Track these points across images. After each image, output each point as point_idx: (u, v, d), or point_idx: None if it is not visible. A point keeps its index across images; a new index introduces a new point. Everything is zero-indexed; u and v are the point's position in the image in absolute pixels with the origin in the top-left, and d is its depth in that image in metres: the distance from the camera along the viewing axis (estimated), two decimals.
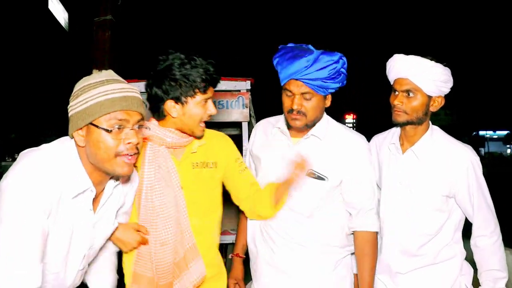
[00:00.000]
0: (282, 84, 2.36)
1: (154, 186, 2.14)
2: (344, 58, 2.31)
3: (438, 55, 2.34)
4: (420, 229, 2.41)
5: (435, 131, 2.45)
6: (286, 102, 2.36)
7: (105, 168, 1.68)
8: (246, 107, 4.46)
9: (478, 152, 2.54)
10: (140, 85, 5.17)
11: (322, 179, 2.36)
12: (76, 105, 1.66)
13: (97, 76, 1.71)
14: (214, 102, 2.41)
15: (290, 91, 2.32)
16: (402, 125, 2.41)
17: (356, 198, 2.42)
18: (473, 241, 2.38)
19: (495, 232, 2.35)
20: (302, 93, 2.30)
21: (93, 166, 1.70)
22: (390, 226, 2.48)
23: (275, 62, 2.38)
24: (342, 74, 2.33)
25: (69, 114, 1.69)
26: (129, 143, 1.67)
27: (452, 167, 2.33)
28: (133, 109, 1.69)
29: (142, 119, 1.76)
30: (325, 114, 2.50)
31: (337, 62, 2.27)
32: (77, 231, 1.76)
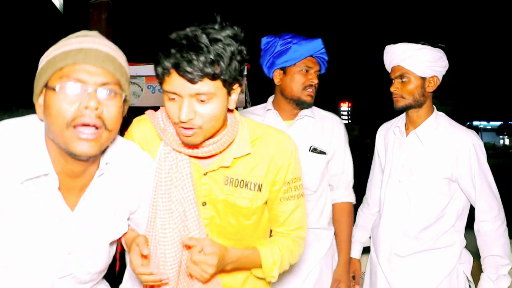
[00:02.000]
0: (294, 62, 2.49)
1: (157, 200, 1.66)
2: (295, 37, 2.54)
3: (433, 42, 2.40)
4: (421, 212, 2.42)
5: (439, 116, 2.50)
6: (304, 78, 2.51)
7: (60, 145, 1.29)
8: (242, 92, 4.47)
9: None
10: (137, 69, 5.18)
11: (324, 153, 2.55)
12: (38, 67, 1.36)
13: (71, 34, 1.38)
14: None
15: (310, 67, 2.52)
16: (402, 110, 2.49)
17: (340, 170, 2.61)
18: (476, 226, 2.37)
19: (499, 217, 2.32)
20: (315, 71, 2.53)
21: (57, 147, 1.32)
22: (391, 208, 2.52)
23: (285, 41, 2.52)
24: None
25: None
26: (86, 107, 1.23)
27: (454, 150, 2.35)
28: (95, 63, 1.27)
29: (118, 84, 1.33)
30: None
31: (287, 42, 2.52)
32: (49, 230, 1.38)
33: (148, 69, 4.67)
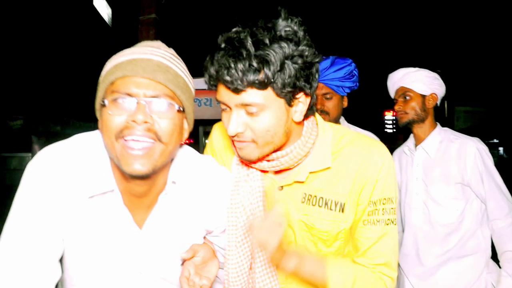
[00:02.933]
0: None
1: (228, 218, 1.48)
2: (354, 64, 2.64)
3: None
4: (440, 220, 2.56)
5: (443, 129, 2.72)
6: None
7: (114, 160, 1.23)
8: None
9: None
10: None
11: None
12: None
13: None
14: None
15: None
16: (406, 125, 2.72)
17: None
18: (490, 225, 2.51)
19: (510, 214, 2.45)
20: (323, 94, 2.59)
21: (117, 166, 1.27)
22: (412, 221, 2.67)
23: None
24: (355, 75, 2.64)
25: None
26: (133, 120, 1.16)
27: (461, 156, 2.53)
28: (143, 75, 1.18)
29: (172, 96, 1.24)
30: (342, 117, 2.83)
31: (350, 65, 2.62)
32: (118, 248, 1.34)
33: (194, 83, 4.78)
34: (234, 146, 1.41)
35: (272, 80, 1.22)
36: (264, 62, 1.20)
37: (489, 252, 2.58)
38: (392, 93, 2.82)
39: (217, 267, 1.44)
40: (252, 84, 1.22)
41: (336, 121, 2.70)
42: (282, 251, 1.31)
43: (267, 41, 1.21)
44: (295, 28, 1.26)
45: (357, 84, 2.69)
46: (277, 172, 1.46)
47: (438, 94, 2.70)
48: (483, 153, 2.52)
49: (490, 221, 2.50)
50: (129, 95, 1.18)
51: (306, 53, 1.26)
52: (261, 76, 1.20)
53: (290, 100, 1.30)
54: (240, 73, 1.20)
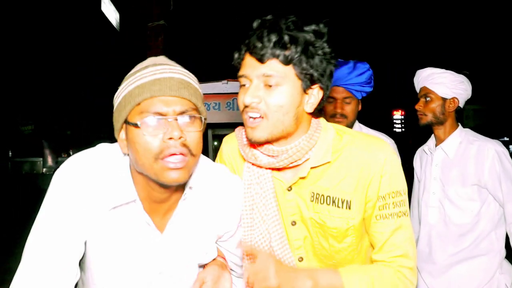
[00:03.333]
0: None
1: (243, 220, 1.57)
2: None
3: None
4: (455, 220, 2.58)
5: (464, 131, 2.71)
6: (329, 108, 2.66)
7: (151, 177, 1.29)
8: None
9: None
10: None
11: None
12: (114, 102, 1.35)
13: (140, 64, 1.37)
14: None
15: (333, 97, 2.63)
16: (425, 126, 2.75)
17: None
18: (507, 228, 2.51)
19: None
20: (344, 98, 2.63)
21: (143, 177, 1.34)
22: (428, 220, 2.69)
23: None
24: (372, 80, 2.69)
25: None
26: (170, 138, 1.23)
27: (479, 158, 2.53)
28: (171, 93, 1.25)
29: (195, 108, 1.32)
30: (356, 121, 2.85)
31: (369, 69, 2.65)
32: (142, 251, 1.42)
33: (202, 87, 4.86)
34: (245, 131, 1.49)
35: (295, 58, 1.35)
36: (292, 40, 1.34)
37: (503, 253, 2.57)
38: (417, 90, 2.84)
39: (230, 280, 1.50)
40: (277, 56, 1.34)
41: (352, 124, 2.73)
42: (289, 279, 1.35)
43: (298, 26, 1.37)
44: (321, 26, 1.41)
45: (372, 87, 2.73)
46: (282, 169, 1.52)
47: (460, 98, 2.68)
48: (502, 156, 2.51)
49: (507, 224, 2.49)
50: (160, 114, 1.24)
51: (326, 49, 1.40)
52: (287, 52, 1.34)
53: (306, 86, 1.41)
54: (271, 43, 1.33)
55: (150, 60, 1.37)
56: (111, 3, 11.94)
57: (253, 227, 1.53)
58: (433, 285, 2.66)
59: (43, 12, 11.69)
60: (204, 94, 5.39)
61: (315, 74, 1.39)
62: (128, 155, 1.37)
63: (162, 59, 1.39)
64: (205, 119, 1.38)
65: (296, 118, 1.44)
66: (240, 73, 1.44)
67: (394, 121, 27.90)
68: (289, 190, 1.54)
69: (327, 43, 1.41)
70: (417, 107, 2.75)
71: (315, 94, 1.45)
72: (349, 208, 1.48)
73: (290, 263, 1.53)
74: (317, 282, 1.39)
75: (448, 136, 2.70)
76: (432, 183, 2.71)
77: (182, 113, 1.27)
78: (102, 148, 1.42)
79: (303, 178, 1.50)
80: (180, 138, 1.24)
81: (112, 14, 14.05)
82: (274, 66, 1.36)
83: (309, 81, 1.40)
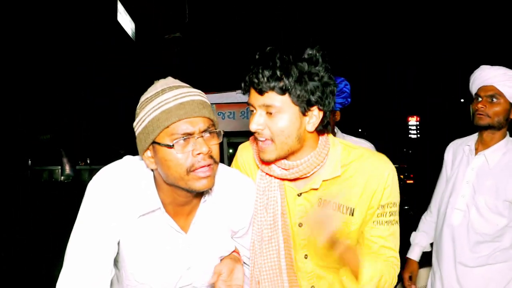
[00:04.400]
0: None
1: (255, 220, 1.75)
2: (346, 82, 2.76)
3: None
4: (478, 228, 2.50)
5: (510, 142, 2.55)
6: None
7: (182, 186, 1.48)
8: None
9: None
10: (208, 97, 5.47)
11: None
12: (137, 125, 1.50)
13: (153, 87, 1.53)
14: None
15: None
16: (483, 128, 2.52)
17: None
18: None
19: None
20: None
21: (169, 186, 1.53)
22: (452, 220, 2.62)
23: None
24: (346, 92, 2.76)
25: (136, 135, 1.53)
26: (199, 153, 1.42)
27: None
28: (194, 115, 1.44)
29: (213, 123, 1.50)
30: (336, 127, 2.96)
31: (339, 83, 2.71)
32: (170, 250, 1.62)
33: (217, 97, 5.02)
34: (257, 149, 1.68)
35: (289, 88, 1.49)
36: (285, 73, 1.48)
37: None
38: (475, 86, 2.62)
39: (242, 271, 1.70)
40: (273, 89, 1.49)
41: (334, 133, 2.82)
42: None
43: (291, 58, 1.50)
44: (315, 52, 1.54)
45: (348, 99, 2.80)
46: (294, 180, 1.69)
47: None
48: None
49: None
50: (189, 134, 1.42)
51: (322, 74, 1.52)
52: (281, 83, 1.48)
53: (304, 110, 1.53)
54: (265, 78, 1.48)
55: (163, 83, 1.53)
56: (126, 13, 12.18)
57: (261, 228, 1.73)
58: (451, 283, 2.63)
59: (62, 26, 11.88)
60: (219, 103, 5.46)
61: (312, 98, 1.52)
62: (152, 170, 1.56)
63: (173, 80, 1.55)
64: (222, 131, 1.55)
65: (299, 139, 1.60)
66: (248, 101, 1.60)
67: (410, 127, 27.77)
68: (299, 196, 1.72)
69: (324, 66, 1.53)
70: (479, 105, 2.50)
71: (316, 114, 1.57)
72: (352, 215, 1.67)
73: (294, 261, 1.71)
74: (346, 251, 1.55)
75: (495, 143, 2.54)
76: (463, 186, 2.61)
77: (205, 130, 1.45)
78: (128, 161, 1.62)
79: (315, 189, 1.67)
80: (208, 152, 1.43)
81: (128, 24, 14.30)
82: (272, 97, 1.50)
83: (306, 105, 1.52)
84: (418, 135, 26.03)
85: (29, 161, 16.48)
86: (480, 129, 2.54)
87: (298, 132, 1.58)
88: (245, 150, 1.91)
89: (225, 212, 1.69)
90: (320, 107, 1.56)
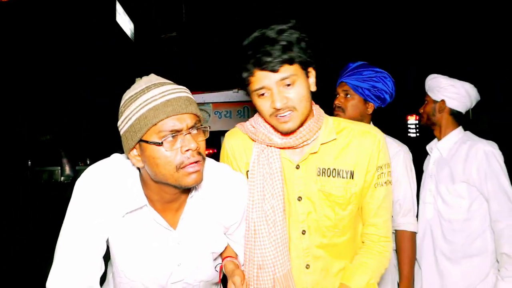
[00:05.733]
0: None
1: (253, 197, 1.77)
2: (387, 76, 2.82)
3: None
4: (446, 215, 2.72)
5: (463, 133, 2.88)
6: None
7: (171, 183, 1.49)
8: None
9: None
10: (205, 96, 5.49)
11: None
12: (123, 124, 1.49)
13: (137, 85, 1.51)
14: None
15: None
16: (425, 126, 3.02)
17: (395, 198, 2.70)
18: (491, 224, 2.61)
19: (511, 217, 2.52)
20: (343, 90, 2.89)
21: (156, 183, 1.53)
22: (424, 216, 2.84)
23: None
24: (379, 83, 2.80)
25: (120, 134, 1.52)
26: (187, 150, 1.44)
27: (468, 157, 2.67)
28: (182, 111, 1.44)
29: (199, 120, 1.52)
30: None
31: (375, 71, 2.85)
32: (159, 247, 1.63)
33: (214, 96, 5.06)
34: (275, 126, 1.71)
35: (296, 56, 1.60)
36: (289, 43, 1.60)
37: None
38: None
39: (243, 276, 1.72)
40: (285, 61, 1.59)
41: None
42: None
43: (285, 29, 1.62)
44: (293, 22, 1.65)
45: (384, 95, 2.81)
46: (295, 147, 1.77)
47: (450, 101, 2.86)
48: (490, 155, 2.62)
49: (491, 222, 2.59)
50: (177, 131, 1.44)
51: (305, 36, 1.65)
52: (291, 54, 1.59)
53: (307, 72, 1.69)
54: (278, 53, 1.57)
55: (147, 81, 1.52)
56: (125, 14, 12.18)
57: (266, 203, 1.74)
58: (428, 280, 2.73)
59: (43, 13, 11.85)
60: (215, 102, 5.50)
61: (309, 59, 1.67)
62: (138, 168, 1.57)
63: (157, 78, 1.54)
64: (209, 127, 1.59)
65: (310, 101, 1.74)
66: (257, 86, 1.64)
67: (409, 126, 27.78)
68: (297, 168, 1.79)
69: (298, 28, 1.67)
70: (420, 110, 3.07)
71: (312, 73, 1.73)
72: (352, 177, 1.78)
73: (286, 238, 1.75)
74: None
75: (444, 137, 2.91)
76: (428, 180, 2.92)
77: (192, 126, 1.48)
78: (115, 159, 1.64)
79: (313, 153, 1.77)
80: (196, 148, 1.45)
81: (126, 24, 14.31)
82: (286, 70, 1.60)
83: (306, 66, 1.68)
84: (417, 134, 26.02)
85: (29, 162, 16.48)
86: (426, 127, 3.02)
87: (310, 95, 1.72)
88: (231, 136, 1.96)
89: (215, 208, 1.70)
90: (313, 66, 1.72)
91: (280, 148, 1.78)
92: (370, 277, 1.74)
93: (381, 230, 1.83)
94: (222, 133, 2.06)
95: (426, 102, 3.01)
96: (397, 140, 2.89)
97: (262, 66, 1.58)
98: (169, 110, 1.42)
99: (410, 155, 2.80)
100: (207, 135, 1.56)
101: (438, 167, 2.86)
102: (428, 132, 2.99)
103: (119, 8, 11.14)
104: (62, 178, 17.89)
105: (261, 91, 1.64)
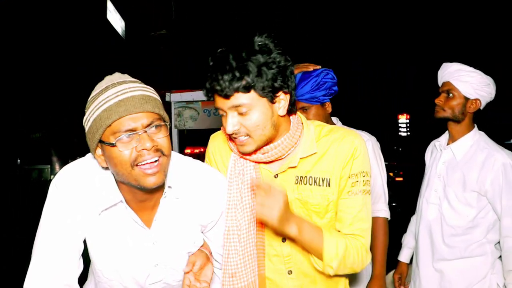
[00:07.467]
0: None
1: (229, 205, 1.75)
2: (326, 72, 2.64)
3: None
4: (449, 221, 2.57)
5: (479, 134, 2.64)
6: None
7: (132, 184, 1.45)
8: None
9: None
10: (193, 94, 5.46)
11: None
12: (85, 124, 1.48)
13: (99, 85, 1.49)
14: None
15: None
16: (440, 120, 2.68)
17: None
18: (500, 241, 2.47)
19: None
20: (300, 108, 2.62)
21: (125, 184, 1.50)
22: (426, 215, 2.71)
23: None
24: (327, 83, 2.65)
25: (85, 134, 1.51)
26: (143, 149, 1.39)
27: (484, 166, 2.48)
28: (135, 111, 1.39)
29: (159, 117, 1.46)
30: (337, 118, 2.91)
31: (317, 76, 2.64)
32: (135, 246, 1.61)
33: (203, 94, 5.02)
34: (235, 144, 1.68)
35: (253, 84, 1.49)
36: (244, 71, 1.48)
37: (496, 254, 2.56)
38: (439, 83, 2.75)
39: (212, 270, 1.70)
40: (237, 90, 1.49)
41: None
42: (284, 220, 1.56)
43: (244, 55, 1.50)
44: (266, 41, 1.55)
45: (333, 89, 2.70)
46: (271, 162, 1.72)
47: (483, 100, 2.61)
48: (508, 168, 2.45)
49: (501, 237, 2.47)
50: (131, 130, 1.39)
51: (278, 59, 1.53)
52: (243, 82, 1.48)
53: (272, 98, 1.55)
54: (227, 83, 1.48)
55: (108, 80, 1.50)
56: (116, 12, 12.12)
57: (239, 214, 1.72)
58: (427, 279, 2.68)
59: (53, 27, 11.79)
60: (205, 100, 5.42)
61: (276, 85, 1.53)
62: (106, 168, 1.53)
63: (119, 76, 1.52)
64: (169, 124, 1.53)
65: (274, 126, 1.63)
66: (215, 106, 1.61)
67: (400, 125, 27.81)
68: (275, 177, 1.75)
69: (277, 51, 1.55)
70: (437, 101, 2.65)
71: (283, 98, 1.60)
72: (329, 185, 1.71)
73: (258, 243, 1.74)
74: (302, 232, 1.60)
75: (461, 137, 2.64)
76: (435, 180, 2.71)
77: (149, 125, 1.42)
78: (90, 158, 1.60)
79: (292, 167, 1.71)
80: (152, 147, 1.40)
81: (117, 22, 14.22)
82: (238, 97, 1.51)
83: (272, 93, 1.54)
84: (408, 133, 26.17)
85: (18, 160, 16.37)
86: (443, 122, 2.70)
87: (272, 121, 1.60)
88: (215, 139, 1.92)
89: (192, 207, 1.67)
90: (286, 90, 1.59)
91: (254, 162, 1.73)
92: (346, 247, 1.67)
93: (359, 239, 1.74)
94: (212, 131, 2.02)
95: (451, 95, 2.61)
96: (367, 132, 2.88)
97: (215, 91, 1.53)
98: (122, 110, 1.39)
99: (378, 144, 2.81)
100: (167, 132, 1.50)
101: (449, 168, 2.65)
102: (419, 131, 2.92)
103: (110, 6, 11.09)
104: (52, 176, 17.83)
105: (220, 111, 1.61)
